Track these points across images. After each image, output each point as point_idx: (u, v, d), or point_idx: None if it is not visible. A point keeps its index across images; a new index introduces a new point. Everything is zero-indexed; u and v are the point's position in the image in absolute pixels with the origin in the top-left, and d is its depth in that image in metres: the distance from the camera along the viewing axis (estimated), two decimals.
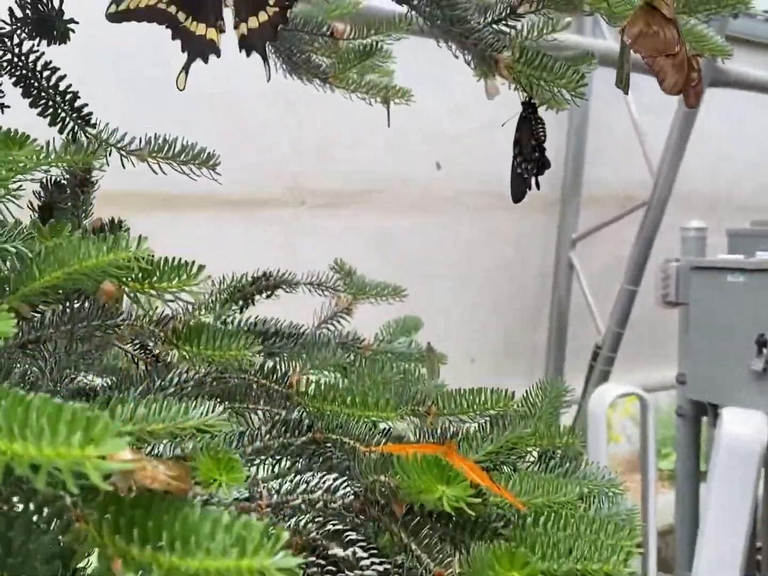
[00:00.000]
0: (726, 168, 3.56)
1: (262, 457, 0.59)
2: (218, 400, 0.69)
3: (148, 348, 0.65)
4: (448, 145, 2.94)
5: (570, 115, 3.05)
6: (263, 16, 0.58)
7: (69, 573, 0.40)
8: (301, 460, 0.60)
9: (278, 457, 0.60)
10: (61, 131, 0.68)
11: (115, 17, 0.57)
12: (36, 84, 0.67)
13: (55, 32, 0.67)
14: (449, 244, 3.03)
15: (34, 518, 0.36)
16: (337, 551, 0.49)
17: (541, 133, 0.72)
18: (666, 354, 3.12)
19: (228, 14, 0.57)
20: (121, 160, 0.66)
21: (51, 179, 0.71)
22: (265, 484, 0.51)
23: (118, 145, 0.66)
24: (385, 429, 0.62)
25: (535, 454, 0.67)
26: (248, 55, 0.58)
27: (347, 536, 0.50)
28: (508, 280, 3.16)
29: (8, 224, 0.51)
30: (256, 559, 0.27)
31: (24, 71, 0.67)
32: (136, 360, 0.64)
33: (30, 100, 0.67)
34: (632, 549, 0.46)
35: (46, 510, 0.37)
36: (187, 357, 0.52)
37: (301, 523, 0.52)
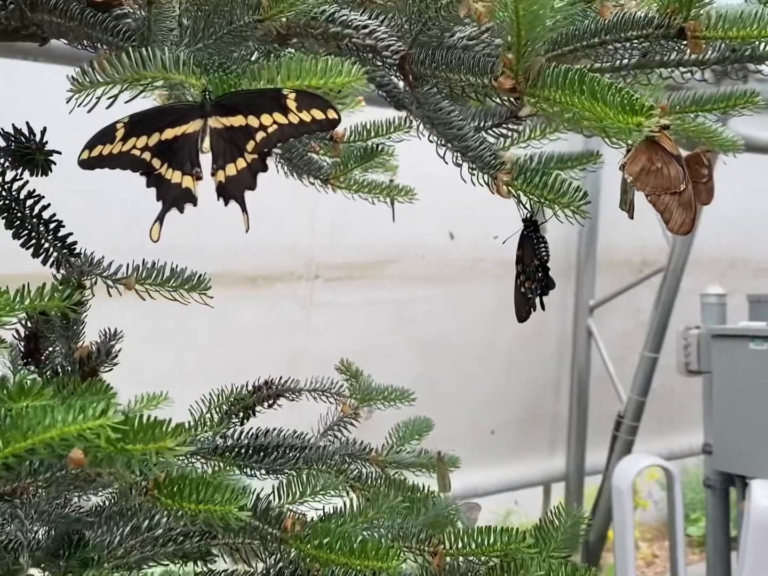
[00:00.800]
0: (742, 228, 3.53)
1: None
2: (211, 536, 0.66)
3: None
4: (461, 216, 2.93)
5: (583, 181, 3.04)
6: (241, 163, 0.56)
7: None
8: None
9: None
10: (44, 262, 0.66)
11: (87, 164, 0.55)
12: (19, 213, 0.66)
13: (36, 164, 0.66)
14: (467, 314, 3.01)
15: None
16: None
17: (544, 253, 0.70)
18: (690, 420, 3.06)
19: (206, 161, 0.55)
20: (108, 289, 0.64)
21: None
22: None
23: (104, 275, 0.64)
24: None
25: None
26: (226, 203, 0.56)
27: None
28: (527, 348, 3.12)
29: None
30: None
31: (7, 200, 0.66)
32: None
33: (12, 231, 0.66)
34: None
35: None
36: (169, 511, 0.49)
37: None
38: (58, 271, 0.65)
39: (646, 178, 0.52)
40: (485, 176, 0.67)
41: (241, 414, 0.89)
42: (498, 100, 0.58)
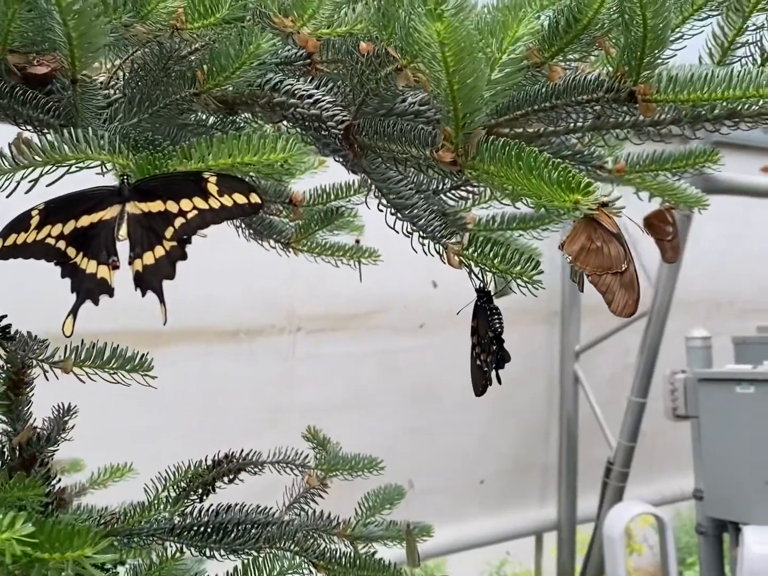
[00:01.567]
0: (725, 270, 3.53)
1: None
2: None
3: None
4: (443, 264, 2.91)
5: (564, 225, 3.03)
6: (159, 251, 0.53)
7: None
8: None
9: None
10: None
11: (1, 254, 0.53)
12: None
13: None
14: (452, 362, 2.97)
15: None
16: None
17: (497, 325, 0.67)
18: (681, 463, 3.02)
19: (123, 249, 0.53)
20: (45, 374, 0.62)
21: None
22: None
23: (39, 358, 0.61)
24: None
25: None
26: (143, 294, 0.54)
27: None
28: (515, 395, 3.08)
29: None
30: None
31: None
32: None
33: None
34: None
35: None
36: None
37: None
38: None
39: (586, 258, 0.50)
40: (436, 246, 0.65)
41: (201, 490, 0.85)
42: (440, 172, 0.56)
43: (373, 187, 0.66)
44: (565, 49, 0.61)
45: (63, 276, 0.54)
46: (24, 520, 0.40)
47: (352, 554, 0.84)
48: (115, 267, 0.54)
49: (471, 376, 0.70)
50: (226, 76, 0.57)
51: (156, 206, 0.53)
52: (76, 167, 0.51)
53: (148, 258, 0.53)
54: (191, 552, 0.82)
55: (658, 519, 2.64)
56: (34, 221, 0.53)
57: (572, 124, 0.72)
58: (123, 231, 0.53)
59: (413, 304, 2.92)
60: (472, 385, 0.69)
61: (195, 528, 0.83)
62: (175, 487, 0.85)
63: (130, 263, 0.54)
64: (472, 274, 0.62)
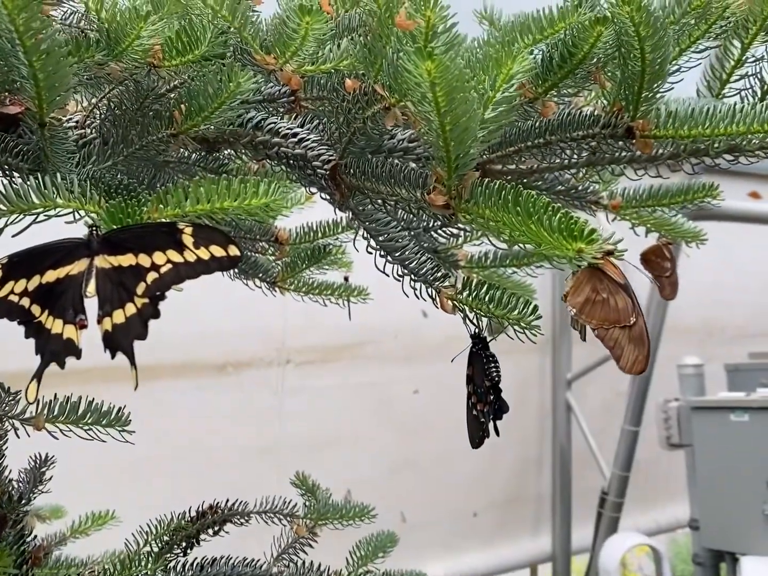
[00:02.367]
0: (717, 296, 3.51)
1: None
2: None
3: None
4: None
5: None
6: (130, 309, 0.49)
7: None
8: None
9: None
10: None
11: None
12: None
13: None
14: (444, 394, 2.94)
15: None
16: None
17: (494, 373, 0.64)
18: (677, 491, 2.98)
19: (91, 307, 0.49)
20: (15, 432, 0.58)
21: None
22: None
23: (9, 414, 0.58)
24: None
25: None
26: (113, 356, 0.50)
27: None
28: (507, 425, 3.04)
29: None
30: None
31: None
32: None
33: None
34: None
35: None
36: None
37: None
38: None
39: (591, 310, 0.47)
40: (428, 290, 0.62)
41: (184, 544, 0.82)
42: (432, 215, 0.53)
43: (361, 228, 0.63)
44: (559, 84, 0.59)
45: (27, 336, 0.50)
46: None
47: None
48: (83, 326, 0.50)
49: (467, 427, 0.66)
50: (205, 115, 0.55)
51: (127, 260, 0.50)
52: (44, 216, 0.48)
53: (118, 316, 0.50)
54: None
55: (654, 550, 2.60)
56: None
57: (567, 160, 0.70)
58: (91, 287, 0.50)
59: (403, 335, 2.89)
60: (468, 436, 0.66)
61: None
62: (157, 540, 0.81)
63: (99, 322, 0.50)
64: (467, 320, 0.59)
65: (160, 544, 0.81)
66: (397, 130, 0.67)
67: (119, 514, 1.14)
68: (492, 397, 0.64)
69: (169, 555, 0.80)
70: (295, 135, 0.63)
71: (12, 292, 0.50)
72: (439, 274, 0.60)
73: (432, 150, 0.54)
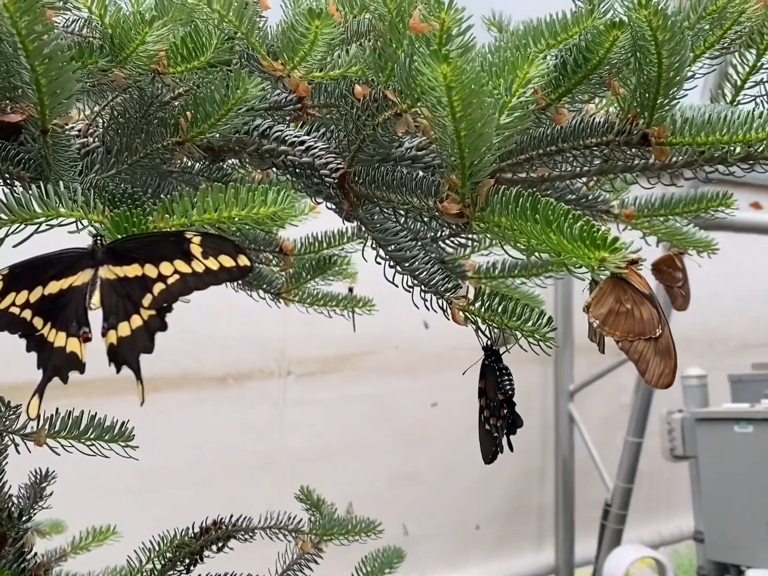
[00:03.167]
0: (718, 306, 3.50)
1: None
2: None
3: None
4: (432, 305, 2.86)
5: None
6: (136, 321, 0.48)
7: None
8: None
9: None
10: None
11: None
12: None
13: None
14: (445, 404, 2.92)
15: None
16: None
17: (508, 386, 0.62)
18: (680, 503, 2.96)
19: (95, 319, 0.48)
20: (16, 447, 0.56)
21: None
22: None
23: (10, 429, 0.56)
24: None
25: None
26: (118, 370, 0.49)
27: None
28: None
29: None
30: None
31: None
32: None
33: None
34: None
35: None
36: None
37: None
38: None
39: (614, 322, 0.45)
40: (439, 301, 0.60)
41: (187, 561, 0.80)
42: (445, 224, 0.52)
43: (369, 238, 0.62)
44: (573, 90, 0.57)
45: (28, 350, 0.48)
46: None
47: None
48: (87, 339, 0.48)
49: (479, 442, 0.64)
50: (211, 123, 0.53)
51: (132, 270, 0.48)
52: (47, 225, 0.47)
53: (124, 329, 0.48)
54: None
55: (658, 563, 2.58)
56: None
57: (578, 169, 0.68)
58: (95, 299, 0.48)
59: (404, 345, 2.87)
60: (481, 452, 0.64)
61: None
62: (160, 558, 0.79)
63: (104, 335, 0.48)
64: (479, 331, 0.58)
65: (163, 561, 0.79)
66: (405, 138, 0.65)
67: (118, 527, 1.12)
68: (506, 411, 0.62)
69: (171, 572, 0.79)
70: (302, 143, 0.61)
71: (13, 304, 0.48)
72: (450, 285, 0.59)
73: (443, 158, 0.53)
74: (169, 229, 0.47)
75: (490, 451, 0.64)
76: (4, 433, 0.57)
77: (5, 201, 0.45)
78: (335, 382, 2.76)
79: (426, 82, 0.41)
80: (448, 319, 0.60)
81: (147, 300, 0.48)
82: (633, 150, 0.61)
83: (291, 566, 0.88)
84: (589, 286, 0.48)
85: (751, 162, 0.63)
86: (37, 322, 0.48)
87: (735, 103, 0.66)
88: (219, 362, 2.52)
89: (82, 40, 0.62)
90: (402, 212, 0.56)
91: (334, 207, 0.78)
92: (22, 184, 0.53)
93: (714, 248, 0.82)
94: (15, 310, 0.48)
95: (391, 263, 0.62)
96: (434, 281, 0.59)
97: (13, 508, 0.65)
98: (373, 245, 0.63)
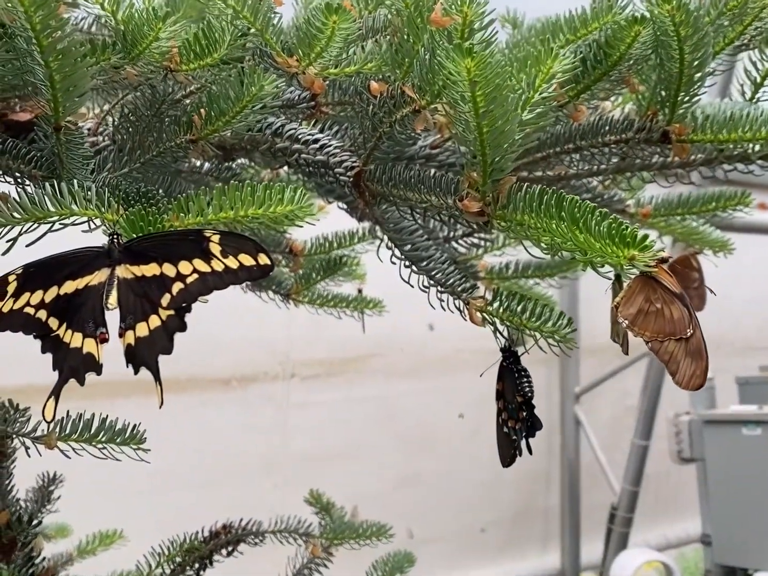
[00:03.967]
0: (726, 308, 3.48)
1: None
2: None
3: None
4: (438, 305, 2.85)
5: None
6: (155, 322, 0.47)
7: None
8: None
9: None
10: None
11: None
12: None
13: None
14: (450, 406, 2.91)
15: None
16: None
17: (527, 388, 0.61)
18: (687, 506, 2.95)
19: (113, 319, 0.47)
20: (26, 450, 0.55)
21: None
22: None
23: (20, 433, 0.55)
24: None
25: None
26: (136, 371, 0.48)
27: None
28: None
29: None
30: None
31: None
32: None
33: None
34: None
35: None
36: None
37: None
38: None
39: (644, 322, 0.44)
40: (456, 301, 0.59)
41: (197, 565, 0.79)
42: (465, 223, 0.51)
43: (385, 237, 0.61)
44: (592, 86, 0.56)
45: (44, 351, 0.48)
46: None
47: None
48: (104, 340, 0.47)
49: (497, 445, 0.63)
50: (226, 120, 0.52)
51: (150, 270, 0.47)
52: (60, 224, 0.46)
53: (142, 329, 0.47)
54: None
55: (666, 567, 2.56)
56: (11, 288, 0.47)
57: (596, 167, 0.67)
58: (112, 299, 0.47)
59: (409, 348, 2.86)
60: (499, 455, 0.63)
61: None
62: (169, 562, 0.78)
63: (121, 335, 0.47)
64: (497, 332, 0.57)
65: (172, 566, 0.78)
66: (420, 136, 0.65)
67: (122, 530, 1.11)
68: (524, 414, 0.61)
69: None
70: (316, 141, 0.60)
71: (28, 303, 0.47)
72: (467, 285, 0.58)
73: (463, 155, 0.52)
74: (187, 228, 0.46)
75: (508, 455, 0.63)
76: (14, 437, 0.56)
77: (19, 200, 0.44)
78: (340, 385, 2.75)
79: (449, 76, 0.40)
80: (465, 320, 0.59)
81: (165, 300, 0.47)
82: (652, 148, 0.61)
83: (301, 570, 0.87)
84: (612, 286, 0.47)
85: None
86: (53, 322, 0.47)
87: (755, 100, 0.65)
88: (223, 365, 2.51)
89: (91, 37, 0.61)
90: (420, 211, 0.55)
91: (345, 207, 0.77)
92: (34, 183, 0.52)
93: (730, 248, 0.81)
94: (30, 310, 0.47)
95: (407, 263, 0.61)
96: (450, 281, 0.58)
97: (22, 512, 0.64)
98: (388, 245, 0.62)
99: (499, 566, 3.03)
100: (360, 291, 1.03)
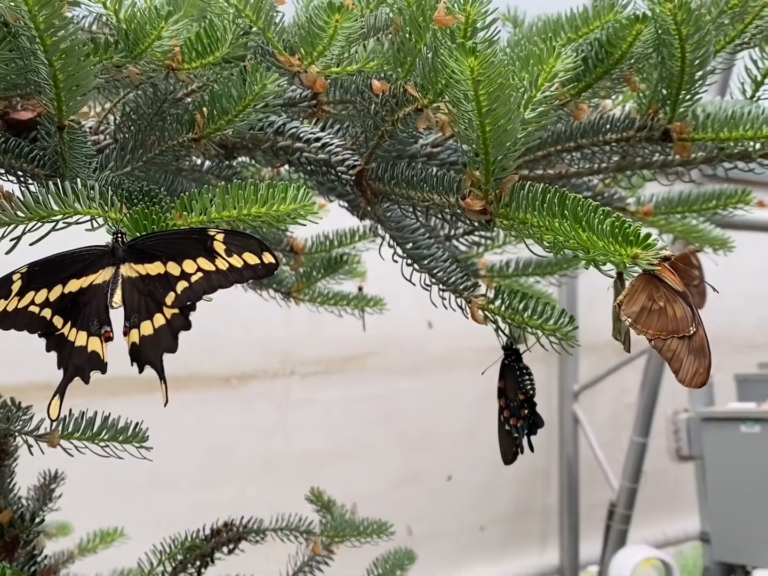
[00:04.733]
0: (723, 305, 3.48)
1: None
2: None
3: None
4: (438, 303, 2.85)
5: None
6: (159, 320, 0.47)
7: None
8: None
9: None
10: None
11: None
12: None
13: None
14: (449, 405, 2.91)
15: None
16: None
17: (529, 386, 0.61)
18: (685, 504, 2.95)
19: (117, 318, 0.47)
20: (29, 448, 0.55)
21: None
22: None
23: (23, 431, 0.55)
24: None
25: None
26: (141, 369, 0.48)
27: None
28: None
29: None
30: None
31: None
32: None
33: None
34: None
35: None
36: None
37: None
38: None
39: (647, 320, 0.44)
40: (458, 299, 0.59)
41: (198, 563, 0.79)
42: (467, 221, 0.51)
43: (387, 236, 0.61)
44: (593, 85, 0.57)
45: (48, 350, 0.48)
46: None
47: None
48: (108, 339, 0.47)
49: (499, 443, 0.63)
50: (228, 119, 0.52)
51: (155, 268, 0.47)
52: (64, 223, 0.46)
53: (147, 328, 0.47)
54: None
55: (665, 564, 2.57)
56: (16, 287, 0.47)
57: (596, 165, 0.67)
58: (117, 297, 0.47)
59: (409, 346, 2.86)
60: (500, 453, 0.63)
61: None
62: (171, 560, 0.78)
63: (125, 334, 0.47)
64: (499, 330, 0.57)
65: (173, 563, 0.78)
66: (422, 135, 0.65)
67: (123, 527, 1.11)
68: (526, 411, 0.61)
69: (182, 574, 0.78)
70: (318, 140, 0.60)
71: (32, 302, 0.47)
72: (469, 283, 0.58)
73: (465, 153, 0.52)
74: (191, 227, 0.46)
75: (510, 452, 0.63)
76: (17, 435, 0.56)
77: (22, 198, 0.44)
78: (339, 383, 2.75)
79: (452, 75, 0.40)
80: (467, 318, 0.59)
81: (170, 298, 0.47)
82: (653, 146, 0.61)
83: (302, 568, 0.87)
84: (614, 284, 0.47)
85: None
86: (57, 321, 0.47)
87: (755, 99, 0.66)
88: (222, 363, 2.51)
89: (93, 36, 0.61)
90: (421, 209, 0.55)
91: (347, 205, 0.78)
92: (37, 182, 0.52)
93: (730, 246, 0.81)
94: (34, 308, 0.47)
95: (408, 261, 0.61)
96: (452, 279, 0.58)
97: (24, 510, 0.64)
98: (390, 243, 0.62)
99: (498, 564, 3.03)
100: (360, 289, 1.03)
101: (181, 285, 0.47)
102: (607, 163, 0.67)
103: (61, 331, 0.47)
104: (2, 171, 0.54)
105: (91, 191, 0.46)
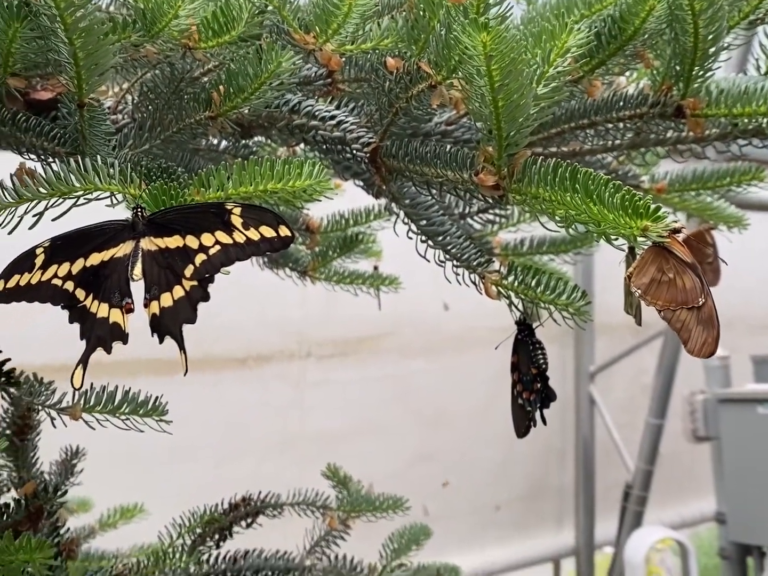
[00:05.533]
0: (739, 287, 3.47)
1: None
2: None
3: None
4: (453, 284, 2.85)
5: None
6: (178, 292, 0.48)
7: None
8: None
9: None
10: None
11: (2, 296, 0.47)
12: None
13: None
14: (465, 385, 2.92)
15: None
16: None
17: (541, 360, 0.62)
18: (701, 485, 2.95)
19: (138, 290, 0.48)
20: (52, 421, 0.57)
21: None
22: None
23: (46, 404, 0.57)
24: None
25: None
26: (161, 340, 0.49)
27: None
28: None
29: None
30: None
31: None
32: None
33: None
34: None
35: None
36: None
37: None
38: None
39: (657, 291, 0.45)
40: (471, 275, 0.60)
41: (217, 536, 0.80)
42: (480, 197, 0.52)
43: (401, 213, 0.62)
44: (607, 61, 0.57)
45: (71, 321, 0.49)
46: None
47: None
48: (129, 310, 0.49)
49: (512, 416, 0.64)
50: (245, 97, 0.53)
51: (174, 242, 0.48)
52: (84, 199, 0.47)
53: (166, 300, 0.48)
54: None
55: (681, 545, 2.57)
56: (39, 260, 0.48)
57: (610, 142, 0.68)
58: (137, 270, 0.48)
59: (423, 326, 2.87)
60: (513, 426, 0.64)
61: None
62: (190, 533, 0.80)
63: (146, 306, 0.48)
64: (512, 306, 0.58)
65: (193, 537, 0.80)
66: (436, 112, 0.65)
67: (143, 503, 1.13)
68: (539, 385, 0.62)
69: (201, 547, 0.79)
70: (333, 118, 0.61)
71: (55, 275, 0.48)
72: (483, 259, 0.59)
73: (479, 129, 0.53)
74: (209, 201, 0.47)
75: (523, 426, 0.64)
76: (41, 408, 0.57)
77: (44, 175, 0.45)
78: (355, 363, 2.76)
79: (465, 51, 0.41)
80: (480, 294, 0.60)
81: (189, 271, 0.48)
82: (667, 123, 0.61)
83: (319, 542, 0.89)
84: (626, 258, 0.48)
85: None
86: (80, 293, 0.49)
87: None
88: (239, 344, 2.53)
89: (111, 15, 0.62)
90: (436, 186, 0.55)
91: (362, 184, 0.78)
92: (58, 159, 0.53)
93: (745, 224, 0.81)
94: (57, 281, 0.48)
95: (423, 238, 0.62)
96: (466, 256, 0.59)
97: (47, 483, 0.65)
98: (405, 220, 0.63)
99: (513, 544, 3.05)
100: (376, 268, 1.04)
101: (200, 258, 0.48)
102: (620, 140, 0.67)
103: (83, 303, 0.49)
104: (24, 149, 0.55)
105: (111, 168, 0.47)
